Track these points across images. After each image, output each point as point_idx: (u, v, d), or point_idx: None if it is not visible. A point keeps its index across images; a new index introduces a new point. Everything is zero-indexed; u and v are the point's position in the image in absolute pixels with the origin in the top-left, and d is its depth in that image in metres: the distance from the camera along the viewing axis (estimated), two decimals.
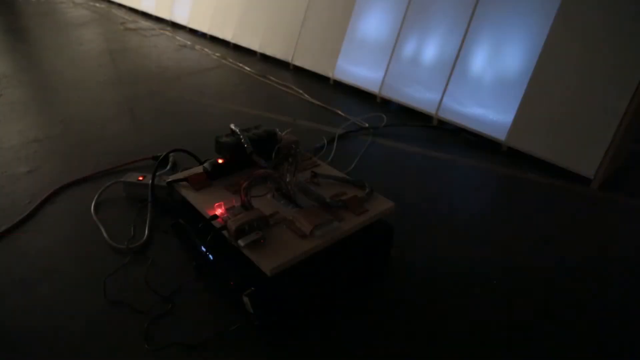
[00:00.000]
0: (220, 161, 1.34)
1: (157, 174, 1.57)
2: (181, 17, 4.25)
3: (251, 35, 3.46)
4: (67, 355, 1.07)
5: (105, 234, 1.44)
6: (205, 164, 1.35)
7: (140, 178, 1.62)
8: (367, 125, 2.27)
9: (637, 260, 1.42)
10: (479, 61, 2.15)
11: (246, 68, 3.15)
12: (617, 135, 1.74)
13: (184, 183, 1.30)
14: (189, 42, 3.79)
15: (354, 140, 2.15)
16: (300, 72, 3.07)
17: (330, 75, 2.86)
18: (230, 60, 3.33)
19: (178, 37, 3.95)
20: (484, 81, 2.14)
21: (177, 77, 2.98)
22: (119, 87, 2.79)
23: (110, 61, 3.30)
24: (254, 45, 3.43)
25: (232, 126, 1.37)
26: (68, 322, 1.15)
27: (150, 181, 1.54)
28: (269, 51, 3.31)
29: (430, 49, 2.35)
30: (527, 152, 1.99)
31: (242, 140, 1.31)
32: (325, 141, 2.07)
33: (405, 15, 2.44)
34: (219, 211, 1.14)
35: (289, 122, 2.31)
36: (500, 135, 2.06)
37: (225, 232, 1.09)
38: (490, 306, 1.23)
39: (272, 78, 2.95)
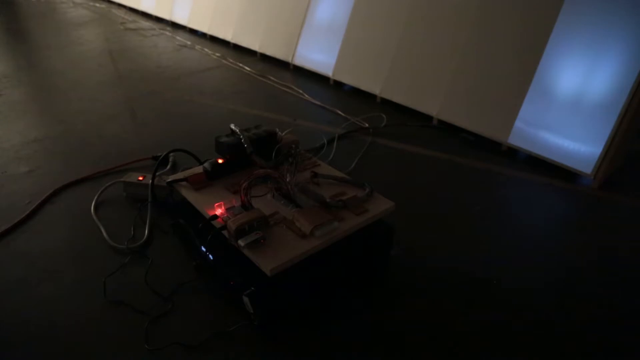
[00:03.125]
0: (220, 161, 1.34)
1: (157, 174, 1.57)
2: (181, 17, 4.25)
3: (251, 35, 3.46)
4: (66, 355, 1.07)
5: (105, 234, 1.44)
6: (205, 164, 1.35)
7: (140, 178, 1.62)
8: (367, 125, 2.27)
9: (638, 260, 1.42)
10: (480, 60, 2.16)
11: (246, 68, 3.15)
12: (617, 135, 1.74)
13: (184, 183, 1.30)
14: (189, 42, 3.79)
15: (354, 140, 2.15)
16: (300, 72, 3.07)
17: (330, 75, 2.87)
18: (230, 60, 3.33)
19: (178, 37, 3.95)
20: (484, 81, 2.14)
21: (177, 77, 2.98)
22: (119, 87, 2.79)
23: (110, 61, 3.30)
24: (254, 45, 3.43)
25: (232, 126, 1.37)
26: (68, 322, 1.15)
27: (150, 181, 1.55)
28: (269, 51, 3.31)
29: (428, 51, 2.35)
30: (527, 152, 1.99)
31: (242, 140, 1.31)
32: (325, 141, 2.07)
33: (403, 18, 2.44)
34: (219, 211, 1.14)
35: (289, 122, 2.31)
36: (500, 135, 2.06)
37: (225, 232, 1.09)
38: (491, 307, 1.23)
39: (272, 78, 2.95)
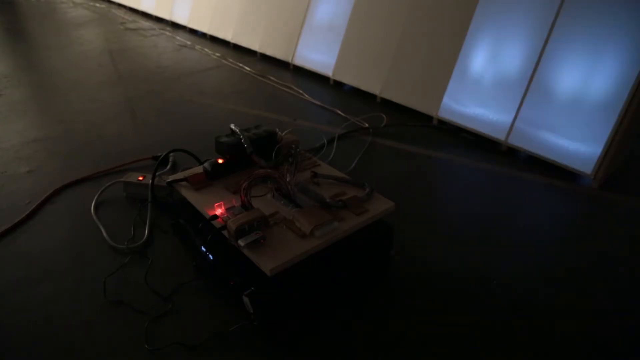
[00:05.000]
0: (220, 161, 1.34)
1: (157, 174, 1.57)
2: (181, 17, 4.25)
3: (251, 35, 3.46)
4: (66, 355, 1.07)
5: (105, 234, 1.44)
6: (205, 164, 1.35)
7: (140, 178, 1.62)
8: (367, 125, 2.27)
9: (637, 261, 1.42)
10: (479, 60, 2.15)
11: (246, 68, 3.15)
12: (617, 135, 1.74)
13: (184, 183, 1.30)
14: (189, 42, 3.79)
15: (354, 140, 2.15)
16: (300, 72, 3.07)
17: (330, 75, 2.87)
18: (230, 60, 3.33)
19: (178, 37, 3.95)
20: (484, 81, 2.14)
21: (177, 77, 2.98)
22: (119, 87, 2.79)
23: (110, 61, 3.30)
24: (254, 45, 3.43)
25: (232, 126, 1.37)
26: (68, 322, 1.15)
27: (150, 181, 1.55)
28: (269, 51, 3.31)
29: (427, 52, 2.35)
30: (527, 152, 1.99)
31: (242, 140, 1.31)
32: (325, 141, 2.07)
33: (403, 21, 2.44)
34: (219, 211, 1.14)
35: (289, 122, 2.31)
36: (501, 135, 2.06)
37: (225, 232, 1.09)
38: (491, 307, 1.23)
39: (272, 78, 2.95)
